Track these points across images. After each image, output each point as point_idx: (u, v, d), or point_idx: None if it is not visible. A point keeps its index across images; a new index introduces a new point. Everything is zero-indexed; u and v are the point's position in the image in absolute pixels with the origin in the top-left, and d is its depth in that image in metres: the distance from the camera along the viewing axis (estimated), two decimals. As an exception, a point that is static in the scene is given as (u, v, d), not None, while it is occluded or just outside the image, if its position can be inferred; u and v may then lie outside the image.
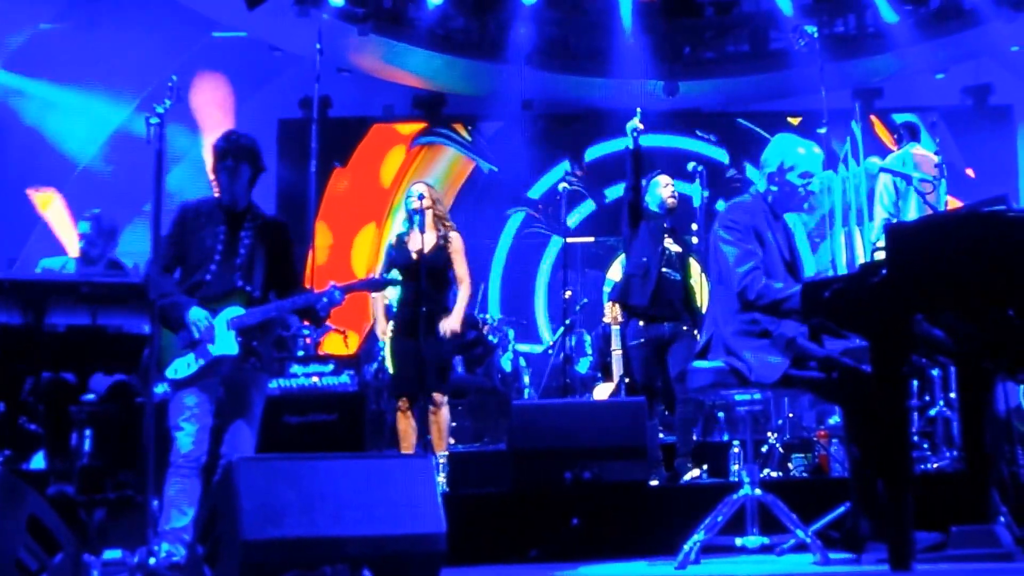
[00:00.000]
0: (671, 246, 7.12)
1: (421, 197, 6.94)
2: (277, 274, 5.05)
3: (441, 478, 6.48)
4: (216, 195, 5.05)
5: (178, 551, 4.56)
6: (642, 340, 6.97)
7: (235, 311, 4.86)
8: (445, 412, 6.88)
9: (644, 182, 7.11)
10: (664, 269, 7.01)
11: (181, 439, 4.74)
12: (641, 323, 6.98)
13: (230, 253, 4.94)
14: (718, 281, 4.83)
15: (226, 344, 4.84)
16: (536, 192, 12.40)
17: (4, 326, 5.12)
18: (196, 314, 4.81)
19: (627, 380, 7.74)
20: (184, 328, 4.81)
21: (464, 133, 12.63)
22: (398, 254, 6.97)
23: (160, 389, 4.81)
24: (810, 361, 4.60)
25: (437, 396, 6.76)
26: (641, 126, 6.90)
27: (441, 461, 6.71)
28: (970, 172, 11.58)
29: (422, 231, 6.81)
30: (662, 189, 7.19)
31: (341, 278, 5.34)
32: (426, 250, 6.76)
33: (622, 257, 7.91)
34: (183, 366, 4.83)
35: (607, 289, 10.96)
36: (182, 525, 4.64)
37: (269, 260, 5.02)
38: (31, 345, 5.14)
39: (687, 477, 6.68)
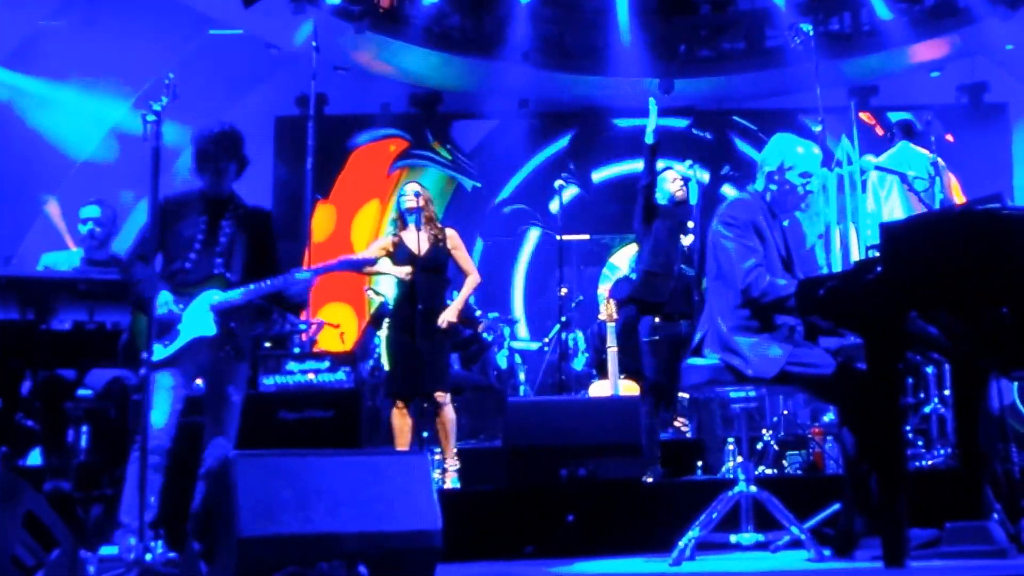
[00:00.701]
0: (683, 241, 7.15)
1: (417, 195, 6.97)
2: (258, 263, 5.04)
3: (437, 474, 6.47)
4: (199, 186, 5.06)
5: (158, 546, 4.54)
6: (657, 337, 6.97)
7: (214, 294, 4.88)
8: (450, 411, 6.81)
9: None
10: (682, 265, 7.05)
11: (154, 416, 4.64)
12: (657, 320, 6.99)
13: (211, 241, 4.96)
14: (716, 277, 4.81)
15: (204, 325, 4.85)
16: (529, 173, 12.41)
17: (2, 323, 5.11)
18: (163, 297, 4.82)
19: (622, 376, 7.74)
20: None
21: (443, 152, 12.56)
22: (396, 252, 6.95)
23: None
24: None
25: (439, 396, 6.75)
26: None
27: (455, 466, 6.69)
28: (949, 137, 11.51)
29: (418, 229, 6.83)
30: (670, 184, 7.23)
31: (340, 254, 5.32)
32: (423, 249, 6.78)
33: (628, 252, 7.93)
34: (159, 349, 4.80)
35: (609, 275, 10.98)
36: (152, 518, 4.60)
37: (250, 249, 5.02)
38: (30, 342, 5.14)
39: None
